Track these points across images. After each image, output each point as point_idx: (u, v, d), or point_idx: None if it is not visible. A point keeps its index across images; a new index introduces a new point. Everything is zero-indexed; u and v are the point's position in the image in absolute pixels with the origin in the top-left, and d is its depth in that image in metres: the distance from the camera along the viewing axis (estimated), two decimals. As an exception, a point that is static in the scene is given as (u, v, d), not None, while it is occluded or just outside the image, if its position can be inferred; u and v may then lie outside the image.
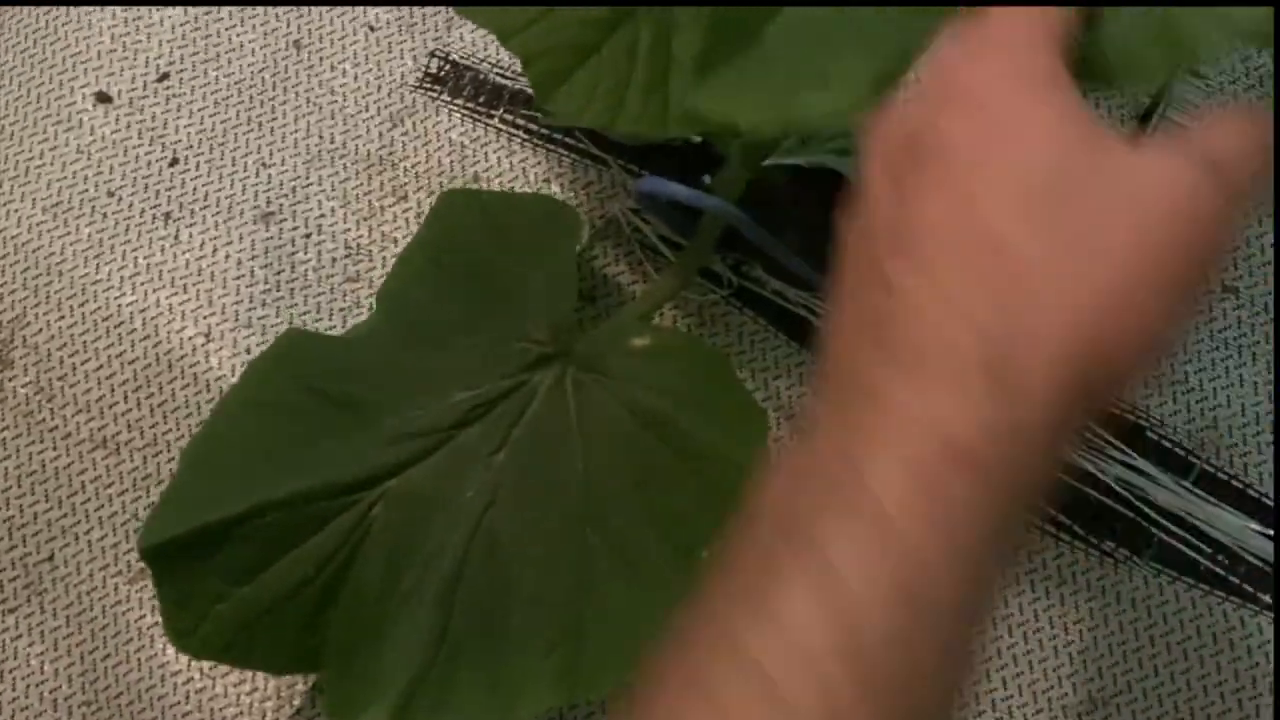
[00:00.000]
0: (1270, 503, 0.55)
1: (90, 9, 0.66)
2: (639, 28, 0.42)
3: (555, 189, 0.61)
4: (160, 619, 0.55)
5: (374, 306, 0.57)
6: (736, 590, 0.26)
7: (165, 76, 0.65)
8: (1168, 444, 0.56)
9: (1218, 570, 0.54)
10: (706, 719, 0.25)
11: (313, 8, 0.65)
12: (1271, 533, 0.54)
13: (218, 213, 0.62)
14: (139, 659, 0.56)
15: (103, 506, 0.58)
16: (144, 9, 0.66)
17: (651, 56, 0.42)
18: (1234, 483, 0.55)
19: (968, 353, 0.25)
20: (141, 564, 0.57)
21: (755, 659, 0.25)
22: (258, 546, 0.47)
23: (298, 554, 0.47)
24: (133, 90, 0.64)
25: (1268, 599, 0.54)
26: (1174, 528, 0.55)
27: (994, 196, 0.27)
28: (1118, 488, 0.55)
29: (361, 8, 0.65)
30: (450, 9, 0.65)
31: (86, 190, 0.62)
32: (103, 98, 0.64)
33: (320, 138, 0.63)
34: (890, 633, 0.24)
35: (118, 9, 0.66)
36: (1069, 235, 0.26)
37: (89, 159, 0.63)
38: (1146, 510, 0.55)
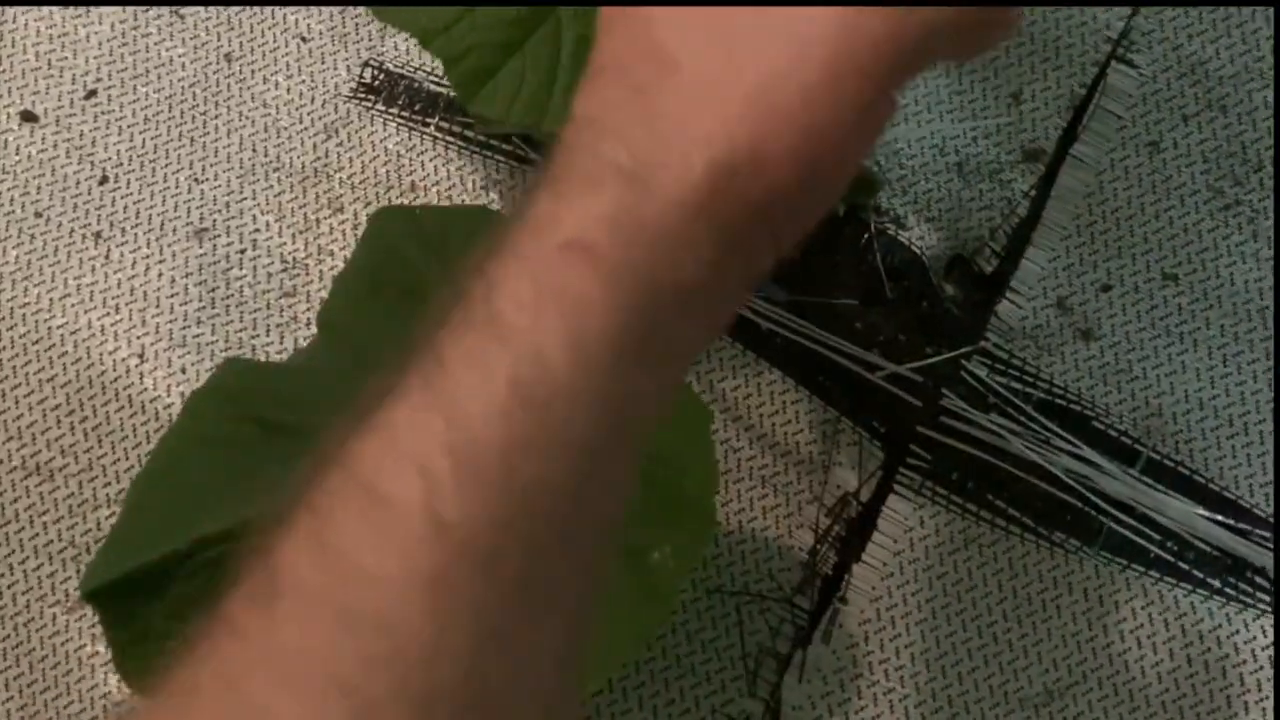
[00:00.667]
0: (1218, 488, 0.55)
1: (14, 26, 0.64)
2: (561, 25, 0.42)
3: (494, 196, 0.60)
4: (100, 648, 0.54)
5: (311, 321, 0.56)
6: (364, 412, 0.25)
7: (93, 93, 0.63)
8: (1114, 433, 0.56)
9: (1167, 557, 0.54)
10: (312, 536, 0.24)
11: (245, 21, 0.64)
12: (1222, 517, 0.54)
13: (150, 230, 0.61)
14: (79, 690, 0.54)
15: (38, 535, 0.56)
16: (70, 24, 0.64)
17: (576, 54, 0.42)
18: (1181, 469, 0.55)
19: (605, 155, 0.24)
20: (79, 593, 0.56)
21: (358, 467, 0.24)
22: (204, 582, 0.46)
23: (240, 585, 0.46)
24: (59, 108, 0.63)
25: (1216, 583, 0.54)
26: (1123, 516, 0.54)
27: (667, 16, 0.25)
28: (1066, 478, 0.55)
29: (294, 20, 0.64)
30: (383, 18, 0.64)
31: (13, 211, 0.61)
32: (28, 116, 0.63)
33: (254, 151, 0.62)
34: (505, 429, 0.23)
35: (42, 25, 0.65)
36: (727, 41, 0.24)
37: (15, 179, 0.62)
38: (1095, 500, 0.55)
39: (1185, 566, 0.54)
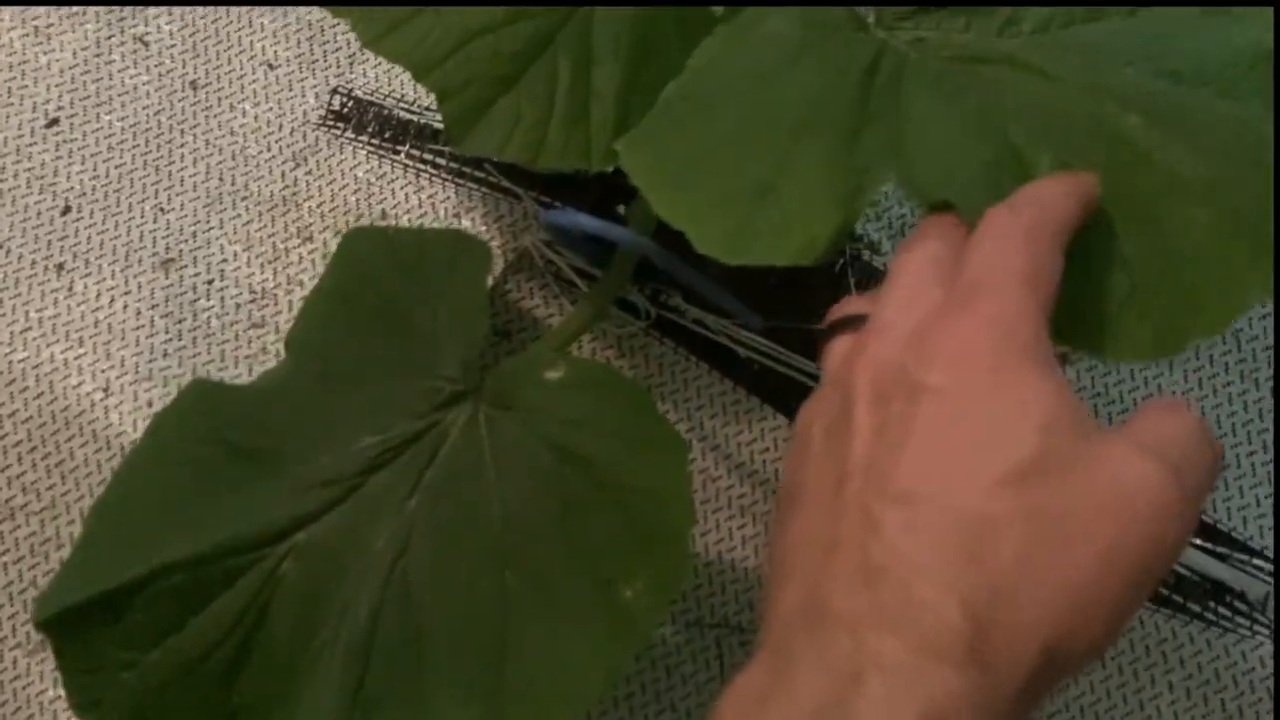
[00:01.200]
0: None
1: (-26, 55, 0.63)
2: (557, 59, 0.42)
3: (466, 223, 0.59)
4: (63, 692, 0.52)
5: (281, 352, 0.55)
6: None
7: (55, 122, 0.62)
8: (1092, 457, 0.56)
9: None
10: None
11: (211, 48, 0.64)
12: (1202, 542, 0.54)
13: (114, 261, 0.59)
14: (40, 735, 0.53)
15: (-3, 575, 0.55)
16: (30, 52, 0.63)
17: (572, 89, 0.41)
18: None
19: (955, 628, 0.28)
20: (41, 635, 0.54)
21: None
22: (164, 610, 0.44)
23: (206, 615, 0.44)
24: (19, 137, 0.62)
25: (1197, 608, 0.54)
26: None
27: (983, 468, 0.29)
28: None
29: (261, 47, 0.64)
30: (354, 45, 0.63)
31: (-28, 243, 0.60)
32: (-11, 146, 0.62)
33: (220, 180, 0.61)
34: None
35: (1, 54, 0.63)
36: (1050, 526, 0.28)
37: (-25, 210, 0.60)
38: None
39: (1165, 592, 0.54)
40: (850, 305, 0.36)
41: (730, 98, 0.40)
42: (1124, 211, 0.37)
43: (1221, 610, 0.54)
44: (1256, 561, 0.54)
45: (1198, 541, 0.54)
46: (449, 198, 0.60)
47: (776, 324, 0.55)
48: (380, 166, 0.61)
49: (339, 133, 0.62)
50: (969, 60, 0.41)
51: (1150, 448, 0.29)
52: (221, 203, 0.61)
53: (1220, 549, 0.54)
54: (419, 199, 0.60)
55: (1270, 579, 0.54)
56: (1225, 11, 0.42)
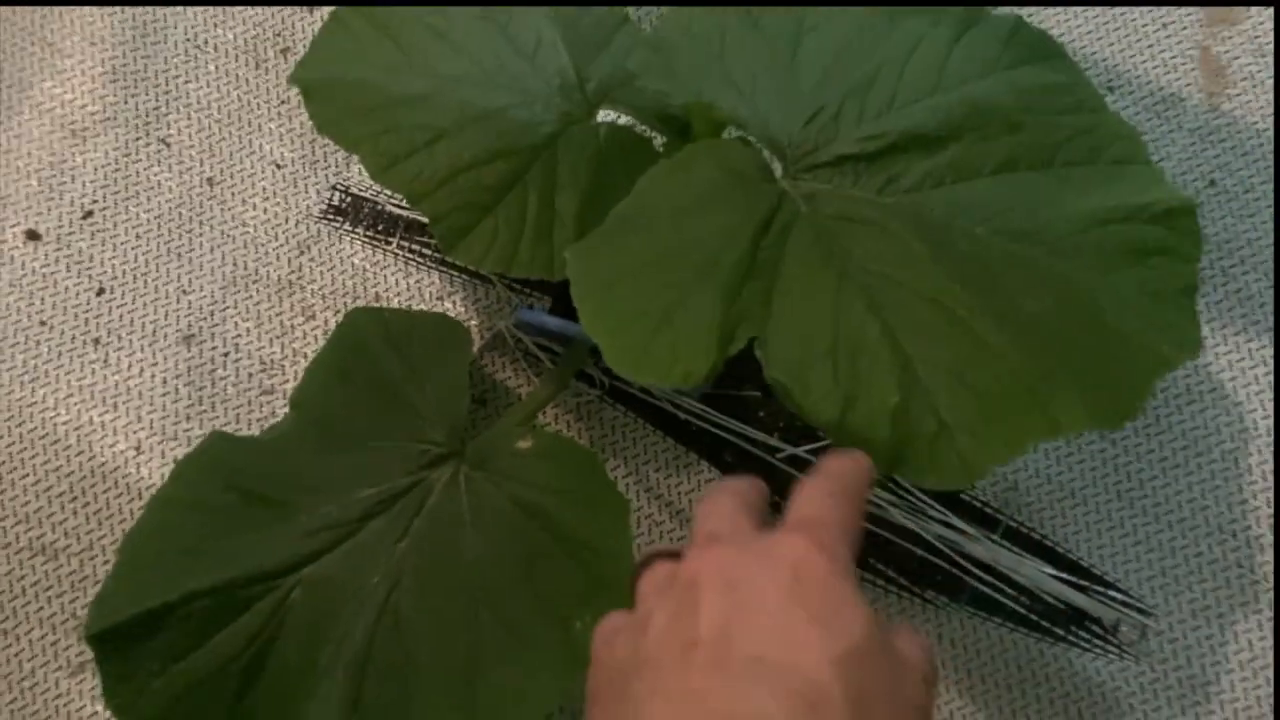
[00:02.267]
0: (1063, 550, 0.65)
1: (17, 155, 0.73)
2: (527, 190, 0.51)
3: (449, 305, 0.69)
4: (99, 708, 0.61)
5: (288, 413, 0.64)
6: None
7: (90, 214, 0.72)
8: (978, 504, 0.66)
9: (1020, 610, 0.64)
10: None
11: (224, 148, 0.73)
12: (1066, 575, 0.64)
13: (143, 337, 0.69)
14: (80, 746, 0.62)
15: (43, 608, 0.64)
16: (68, 153, 0.73)
17: (539, 213, 0.51)
18: (1033, 535, 0.65)
19: None
20: (80, 659, 0.63)
21: None
22: (190, 629, 0.53)
23: (225, 635, 0.54)
24: (59, 227, 0.71)
25: (1061, 631, 0.64)
26: (985, 575, 0.64)
27: (822, 647, 0.35)
28: (937, 544, 0.64)
29: (269, 148, 0.73)
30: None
31: (20, 320, 0.69)
32: (32, 235, 0.71)
33: (235, 265, 0.71)
34: None
35: (44, 154, 0.73)
36: (867, 698, 0.35)
37: (21, 291, 0.70)
38: (961, 561, 0.64)
39: (1035, 617, 0.64)
40: (655, 549, 0.44)
41: (658, 225, 0.49)
42: (939, 370, 0.46)
43: (1080, 633, 0.64)
44: (1110, 592, 0.64)
45: (1063, 575, 0.64)
46: (434, 283, 0.70)
47: (712, 391, 0.65)
48: (374, 255, 0.71)
49: (338, 225, 0.71)
50: (845, 220, 0.50)
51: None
52: (236, 285, 0.70)
53: (1081, 581, 0.64)
54: (408, 283, 0.70)
55: (1120, 607, 0.64)
56: (1072, 182, 0.51)
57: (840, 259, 0.49)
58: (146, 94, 0.74)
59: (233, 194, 0.72)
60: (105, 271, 0.70)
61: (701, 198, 0.50)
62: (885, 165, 0.53)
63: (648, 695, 0.36)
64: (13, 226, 0.71)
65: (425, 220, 0.71)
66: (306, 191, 0.72)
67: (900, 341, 0.47)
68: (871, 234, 0.50)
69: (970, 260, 0.49)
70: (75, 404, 0.67)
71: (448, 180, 0.52)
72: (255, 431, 0.67)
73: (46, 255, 0.71)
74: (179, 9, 0.75)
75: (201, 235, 0.71)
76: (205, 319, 0.69)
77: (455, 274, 0.69)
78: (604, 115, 0.58)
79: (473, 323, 0.68)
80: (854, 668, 0.35)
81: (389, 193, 0.72)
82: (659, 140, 0.55)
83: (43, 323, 0.69)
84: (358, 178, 0.73)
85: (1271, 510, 0.65)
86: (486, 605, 0.53)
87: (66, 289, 0.70)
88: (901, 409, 0.46)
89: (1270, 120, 0.70)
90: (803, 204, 0.50)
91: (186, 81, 0.74)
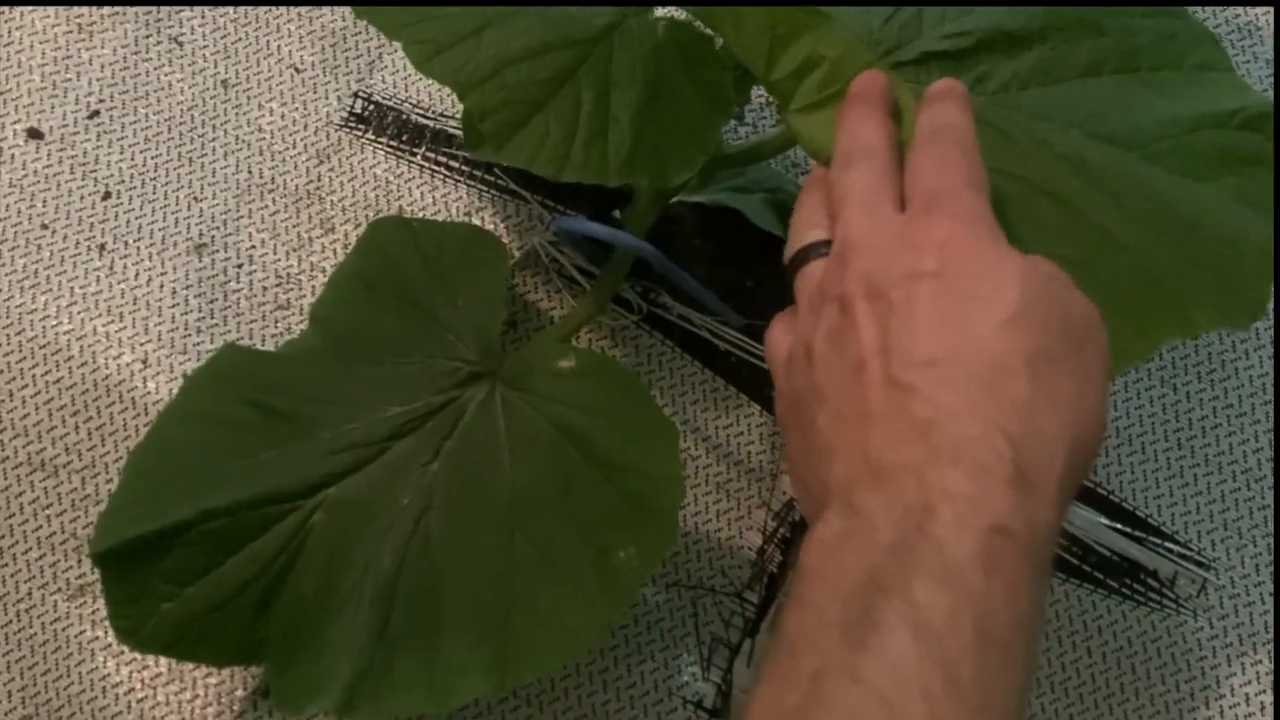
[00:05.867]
0: (1119, 500, 0.62)
1: (20, 48, 0.68)
2: (581, 87, 0.48)
3: (477, 222, 0.65)
4: (100, 634, 0.58)
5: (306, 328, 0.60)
6: (839, 635, 0.33)
7: (96, 114, 0.67)
8: (1029, 449, 0.63)
9: (1073, 561, 0.61)
10: None
11: (240, 50, 0.69)
12: (1121, 526, 0.61)
13: (151, 244, 0.65)
14: (79, 673, 0.58)
15: (41, 527, 0.60)
16: (73, 48, 0.68)
17: (593, 112, 0.47)
18: (1086, 483, 0.62)
19: (1001, 453, 0.34)
20: (81, 581, 0.59)
21: (874, 684, 0.32)
22: (203, 550, 0.50)
23: (241, 557, 0.50)
24: (64, 126, 0.67)
25: (1115, 584, 0.61)
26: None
27: (983, 323, 0.35)
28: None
29: (287, 51, 0.69)
30: (374, 53, 0.69)
31: (20, 223, 0.65)
32: (34, 134, 0.67)
33: (250, 173, 0.67)
34: (974, 668, 0.32)
35: (48, 48, 0.68)
36: (1045, 355, 0.35)
37: (22, 192, 0.65)
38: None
39: (1088, 569, 0.61)
40: (808, 235, 0.43)
41: None
42: (1062, 264, 0.44)
43: (1136, 586, 0.61)
44: (1168, 544, 0.62)
45: (1118, 525, 0.61)
46: (461, 197, 0.66)
47: (752, 320, 0.62)
48: (398, 166, 0.67)
49: (359, 134, 0.67)
50: None
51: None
52: (250, 194, 0.66)
53: (1137, 533, 0.62)
54: (434, 198, 0.66)
55: (1178, 559, 0.61)
56: (1159, 87, 0.49)
57: None
58: (158, -11, 0.69)
59: (248, 98, 0.68)
60: (112, 175, 0.66)
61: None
62: (972, 64, 0.50)
63: (832, 423, 0.37)
64: (14, 123, 0.67)
65: (453, 131, 0.68)
66: (327, 98, 0.68)
67: (1022, 235, 0.44)
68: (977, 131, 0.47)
69: (1075, 158, 0.47)
70: (78, 312, 0.63)
71: (496, 73, 0.48)
72: (270, 347, 0.63)
73: (49, 155, 0.66)
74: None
75: (215, 140, 0.67)
76: (218, 228, 0.65)
77: (484, 189, 0.65)
78: (662, 12, 0.54)
79: (502, 240, 0.64)
80: (1024, 328, 0.35)
81: (415, 101, 0.68)
82: (720, 41, 0.51)
83: (44, 226, 0.65)
84: (382, 84, 0.68)
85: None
86: (522, 533, 0.50)
87: (70, 191, 0.66)
88: None
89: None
90: None
91: (201, -23, 0.69)
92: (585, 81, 0.48)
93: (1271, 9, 0.68)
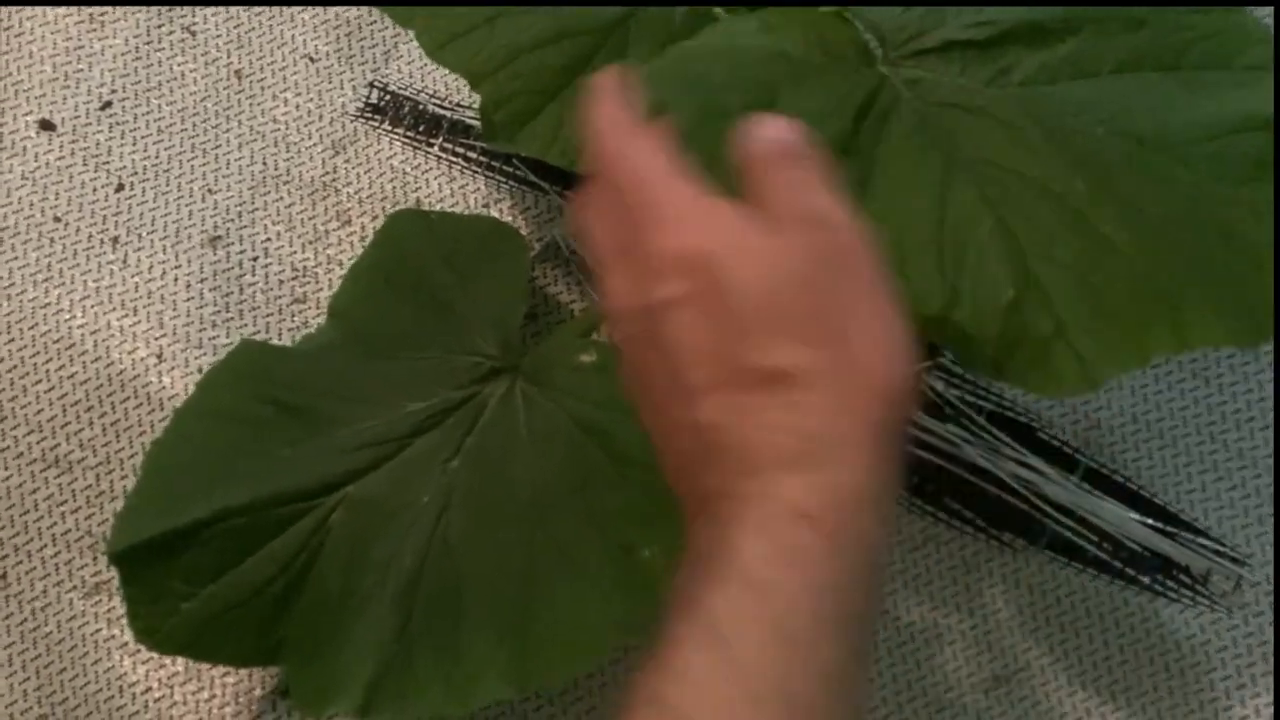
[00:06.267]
0: (1149, 494, 0.61)
1: (31, 38, 0.67)
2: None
3: (495, 213, 0.64)
4: (117, 632, 0.58)
5: (323, 323, 0.60)
6: (656, 660, 0.33)
7: (108, 104, 0.66)
8: (1056, 443, 0.62)
9: (1103, 556, 0.60)
10: None
11: (254, 40, 0.68)
12: (1152, 520, 0.60)
13: (165, 237, 0.64)
14: (96, 671, 0.58)
15: (56, 524, 0.59)
16: (85, 39, 0.68)
17: None
18: (1115, 477, 0.61)
19: (790, 449, 0.33)
20: (96, 579, 0.59)
21: (671, 705, 0.31)
22: (221, 549, 0.49)
23: (260, 556, 0.50)
24: (76, 118, 0.66)
25: (1146, 580, 0.60)
26: (1063, 519, 0.60)
27: (739, 334, 0.34)
28: (1013, 483, 0.61)
29: (302, 40, 0.68)
30: (389, 42, 0.68)
31: (33, 216, 0.64)
32: (46, 125, 0.66)
33: (264, 165, 0.66)
34: (771, 663, 0.31)
35: (59, 38, 0.68)
36: (810, 338, 0.34)
37: (34, 185, 0.65)
38: (1039, 503, 0.60)
39: (1118, 564, 0.60)
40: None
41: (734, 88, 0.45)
42: (1058, 267, 0.43)
43: (1168, 582, 0.60)
44: (1200, 540, 0.60)
45: (1148, 520, 0.60)
46: (479, 189, 0.65)
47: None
48: (415, 157, 0.66)
49: (376, 124, 0.66)
50: (953, 107, 0.46)
51: (796, 225, 0.35)
52: (265, 186, 0.65)
53: (1168, 528, 0.60)
54: (451, 189, 0.65)
55: (1211, 555, 0.60)
56: (1202, 86, 0.47)
57: (947, 147, 0.45)
58: (170, -22, 0.68)
59: (262, 88, 0.67)
60: (125, 166, 0.65)
61: (789, 74, 0.45)
62: (996, 55, 0.49)
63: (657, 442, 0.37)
64: (25, 115, 0.66)
65: (470, 122, 0.66)
66: (342, 88, 0.67)
67: (1016, 235, 0.43)
68: (983, 123, 0.46)
69: (1089, 158, 0.46)
70: (92, 307, 0.62)
71: (509, 61, 0.48)
72: (286, 342, 0.62)
73: (61, 147, 0.65)
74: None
75: (229, 131, 0.66)
76: (232, 220, 0.64)
77: (502, 180, 0.64)
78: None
79: (521, 232, 0.63)
80: (776, 298, 0.34)
81: (431, 91, 0.67)
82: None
83: (57, 219, 0.64)
84: (398, 74, 0.67)
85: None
86: (542, 531, 0.49)
87: (83, 184, 0.65)
88: (1015, 306, 0.43)
89: None
90: (905, 89, 0.46)
91: (213, -35, 0.68)
92: (600, 69, 0.47)
93: (1271, 9, 0.67)
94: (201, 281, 0.63)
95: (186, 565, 0.49)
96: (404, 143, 0.66)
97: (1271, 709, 0.58)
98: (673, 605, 0.33)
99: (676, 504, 0.50)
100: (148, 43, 0.68)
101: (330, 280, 0.63)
